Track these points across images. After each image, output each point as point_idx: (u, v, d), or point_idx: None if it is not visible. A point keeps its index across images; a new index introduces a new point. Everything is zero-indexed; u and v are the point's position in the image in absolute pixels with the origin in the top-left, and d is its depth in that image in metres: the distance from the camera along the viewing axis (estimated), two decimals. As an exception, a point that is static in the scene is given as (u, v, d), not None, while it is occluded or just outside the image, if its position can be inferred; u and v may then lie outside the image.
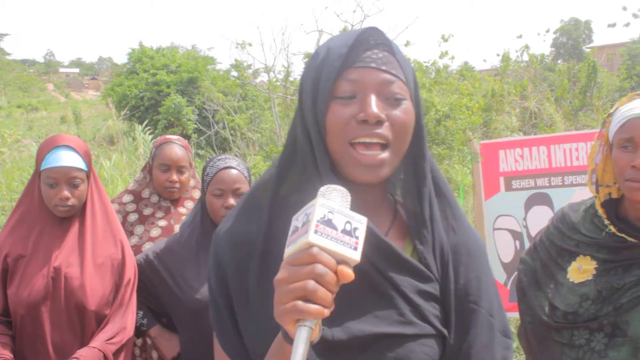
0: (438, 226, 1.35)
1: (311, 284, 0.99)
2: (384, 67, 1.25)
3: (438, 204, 1.37)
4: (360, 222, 1.06)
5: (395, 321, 1.27)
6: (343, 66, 1.26)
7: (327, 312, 1.01)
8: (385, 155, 1.24)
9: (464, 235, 1.39)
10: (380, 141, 1.23)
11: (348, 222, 1.05)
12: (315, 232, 1.01)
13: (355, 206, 1.20)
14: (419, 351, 1.27)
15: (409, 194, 1.34)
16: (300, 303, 0.99)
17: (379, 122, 1.23)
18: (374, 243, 1.24)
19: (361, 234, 1.05)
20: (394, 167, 1.29)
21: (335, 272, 1.02)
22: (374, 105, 1.22)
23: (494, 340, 1.35)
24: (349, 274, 1.02)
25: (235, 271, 1.35)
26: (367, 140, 1.23)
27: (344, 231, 1.04)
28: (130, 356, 2.71)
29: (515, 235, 5.03)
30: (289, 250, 1.05)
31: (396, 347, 1.26)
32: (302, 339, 0.99)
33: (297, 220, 1.07)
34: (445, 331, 1.31)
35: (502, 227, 5.10)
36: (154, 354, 3.02)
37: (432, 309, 1.31)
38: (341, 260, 1.03)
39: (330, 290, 1.01)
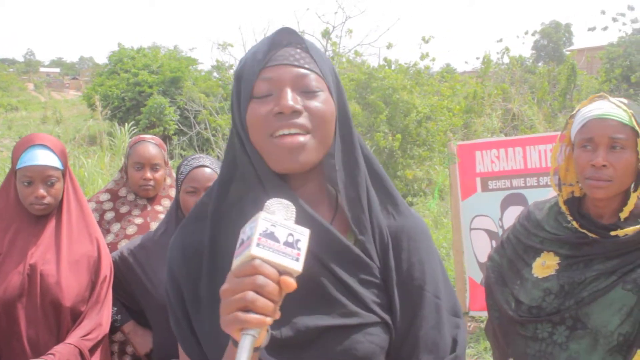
0: (377, 214, 1.38)
1: (250, 294, 1.04)
2: (296, 63, 1.30)
3: (375, 192, 1.40)
4: (302, 234, 1.11)
5: (339, 313, 1.30)
6: (259, 67, 1.31)
7: (269, 320, 1.06)
8: (305, 139, 1.28)
9: (405, 220, 1.41)
10: (299, 131, 1.27)
11: (290, 234, 1.10)
12: (258, 245, 1.06)
13: (295, 200, 1.27)
14: (365, 341, 1.30)
15: (345, 185, 1.36)
16: (240, 314, 1.04)
17: (296, 113, 1.27)
18: (316, 232, 1.27)
19: (303, 245, 1.10)
20: (319, 155, 1.31)
21: (278, 283, 1.06)
22: (288, 97, 1.27)
23: (441, 321, 1.39)
24: (290, 283, 1.07)
25: (187, 281, 1.39)
26: (286, 131, 1.27)
27: (286, 243, 1.09)
28: (106, 352, 2.74)
29: (492, 235, 5.09)
30: (235, 262, 1.10)
31: (342, 339, 1.29)
32: (245, 347, 1.04)
33: (243, 234, 1.12)
34: (388, 318, 1.34)
35: (478, 227, 5.16)
36: (129, 349, 3.05)
37: (374, 297, 1.34)
38: (284, 271, 1.07)
39: (272, 300, 1.06)
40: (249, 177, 1.34)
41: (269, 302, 1.05)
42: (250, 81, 1.31)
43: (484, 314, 5.57)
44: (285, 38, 1.33)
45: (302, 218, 1.28)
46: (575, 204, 2.07)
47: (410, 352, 1.37)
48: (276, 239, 1.08)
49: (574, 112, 2.06)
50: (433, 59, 14.73)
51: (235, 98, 1.37)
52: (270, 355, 1.28)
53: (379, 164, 1.46)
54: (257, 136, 1.30)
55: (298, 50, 1.32)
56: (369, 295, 1.33)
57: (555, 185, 2.12)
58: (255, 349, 1.10)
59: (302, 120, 1.27)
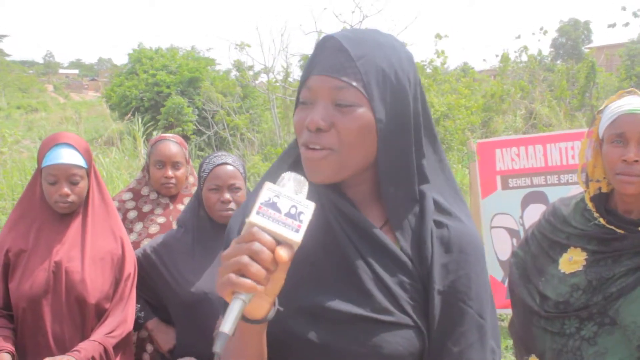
0: (427, 221, 1.36)
1: (244, 258, 1.07)
2: (335, 74, 1.28)
3: (434, 197, 1.39)
4: (307, 207, 1.13)
5: (372, 307, 1.30)
6: (307, 74, 1.32)
7: (260, 287, 1.08)
8: (324, 154, 1.27)
9: (458, 231, 1.37)
10: (322, 147, 1.27)
11: (294, 206, 1.12)
12: (257, 213, 1.09)
13: (342, 199, 1.33)
14: (393, 341, 1.28)
15: (389, 193, 1.36)
16: (232, 275, 1.07)
17: (320, 130, 1.27)
18: (358, 231, 1.32)
19: (306, 218, 1.12)
20: (347, 169, 1.30)
21: (273, 252, 1.09)
22: (315, 113, 1.27)
23: (483, 342, 1.35)
24: (281, 256, 1.09)
25: None
26: (311, 145, 1.28)
27: (288, 214, 1.11)
28: (130, 350, 2.76)
29: (512, 233, 5.06)
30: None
31: (371, 334, 1.29)
32: (234, 310, 1.06)
33: (248, 202, 1.16)
34: (422, 325, 1.32)
35: (499, 225, 5.13)
36: (149, 347, 3.06)
37: (411, 301, 1.32)
38: (283, 241, 1.09)
39: (266, 267, 1.09)
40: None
41: (262, 269, 1.08)
42: (300, 86, 1.35)
43: (504, 312, 5.59)
44: (331, 44, 1.31)
45: (347, 215, 1.33)
46: (602, 200, 2.05)
47: None
48: (278, 209, 1.11)
49: (602, 107, 2.05)
50: (445, 57, 14.62)
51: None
52: (300, 336, 1.30)
53: (446, 163, 1.45)
54: (298, 141, 1.34)
55: (342, 60, 1.29)
56: (405, 298, 1.32)
57: (582, 182, 2.10)
58: (257, 321, 1.16)
59: (327, 137, 1.27)
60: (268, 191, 1.11)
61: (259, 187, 1.33)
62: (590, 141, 2.09)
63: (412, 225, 1.36)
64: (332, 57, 1.29)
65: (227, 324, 1.05)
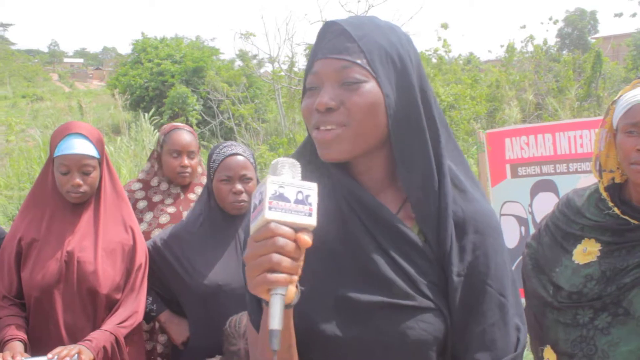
0: (446, 200, 1.36)
1: (275, 257, 1.09)
2: (337, 55, 1.31)
3: (450, 180, 1.38)
4: (311, 189, 1.14)
5: (392, 293, 1.31)
6: (312, 60, 1.36)
7: (295, 278, 1.11)
8: (339, 131, 1.30)
9: (473, 210, 1.38)
10: (333, 126, 1.30)
11: (299, 191, 1.13)
12: (270, 208, 1.10)
13: (365, 188, 1.35)
14: (417, 327, 1.29)
15: (405, 171, 1.37)
16: (269, 275, 1.09)
17: (330, 110, 1.30)
18: (374, 217, 1.34)
19: (313, 199, 1.13)
20: (360, 145, 1.32)
21: (295, 240, 1.11)
22: (323, 94, 1.30)
23: (506, 320, 1.35)
24: (306, 240, 1.11)
25: None
26: (322, 127, 1.31)
27: (297, 201, 1.12)
28: (141, 339, 2.77)
29: (521, 221, 5.06)
30: (252, 228, 1.14)
31: (394, 321, 1.29)
32: (276, 306, 1.09)
33: (255, 198, 1.16)
34: (444, 306, 1.33)
35: (508, 213, 5.14)
36: (161, 338, 3.07)
37: (431, 285, 1.33)
38: (299, 228, 1.11)
39: (294, 258, 1.11)
40: (319, 160, 1.39)
41: (292, 261, 1.10)
42: (306, 74, 1.38)
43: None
44: (332, 29, 1.35)
45: (363, 203, 1.34)
46: (616, 191, 2.04)
47: (466, 347, 1.34)
48: (286, 199, 1.12)
49: (617, 97, 2.03)
50: (448, 46, 14.57)
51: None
52: (325, 330, 1.32)
53: (456, 145, 1.46)
54: (307, 127, 1.38)
55: (343, 41, 1.32)
56: (425, 282, 1.32)
57: (595, 172, 2.09)
58: (287, 306, 1.16)
59: (337, 116, 1.30)
60: (272, 184, 1.12)
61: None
62: (604, 131, 2.08)
63: (430, 206, 1.36)
64: (335, 40, 1.33)
65: (276, 321, 1.08)
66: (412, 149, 1.36)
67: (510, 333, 1.35)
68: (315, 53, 1.36)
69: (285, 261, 1.09)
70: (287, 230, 1.10)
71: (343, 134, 1.30)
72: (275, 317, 1.08)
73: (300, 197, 1.13)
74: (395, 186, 1.41)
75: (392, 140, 1.35)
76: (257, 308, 1.37)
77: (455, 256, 1.34)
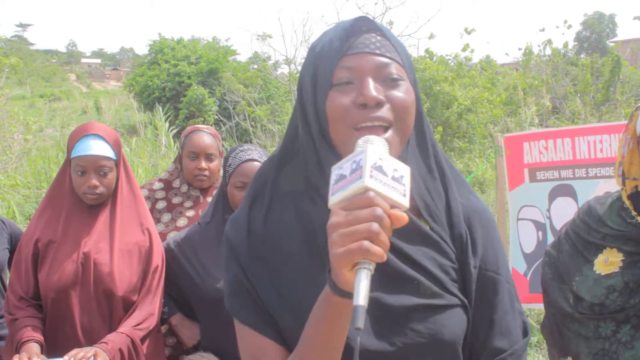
0: (454, 199, 1.39)
1: (375, 225, 0.99)
2: (378, 51, 1.27)
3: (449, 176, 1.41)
4: (405, 170, 1.08)
5: (423, 294, 1.30)
6: (339, 55, 1.28)
7: (386, 256, 1.01)
8: (388, 135, 1.24)
9: (474, 206, 1.43)
10: (382, 124, 1.24)
11: (395, 169, 1.06)
12: (371, 176, 1.02)
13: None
14: (450, 324, 1.31)
15: (415, 174, 1.33)
16: (367, 243, 0.99)
17: (379, 105, 1.24)
18: None
19: (407, 182, 1.07)
20: (399, 149, 1.28)
21: (389, 217, 1.02)
22: (371, 88, 1.23)
23: (514, 307, 1.42)
24: (402, 217, 1.03)
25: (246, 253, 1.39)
26: (369, 124, 1.23)
27: (393, 178, 1.05)
28: (160, 342, 2.76)
29: (539, 226, 5.02)
30: (338, 196, 1.05)
31: (428, 321, 1.29)
32: (363, 281, 0.99)
33: (341, 169, 1.08)
34: (466, 301, 1.35)
35: (525, 217, 5.10)
36: (170, 341, 3.06)
37: (452, 282, 1.35)
38: (393, 206, 1.03)
39: (388, 234, 1.02)
40: (311, 165, 1.33)
41: (386, 236, 1.02)
42: (329, 69, 1.28)
43: (527, 307, 5.54)
44: (364, 25, 1.31)
45: None
46: (639, 199, 2.00)
47: (485, 336, 1.38)
48: (385, 172, 1.04)
49: (640, 104, 2.00)
50: (472, 50, 14.55)
51: (309, 83, 1.33)
52: (364, 344, 1.26)
53: (445, 154, 1.46)
54: (338, 126, 1.26)
55: (378, 38, 1.29)
56: (447, 279, 1.34)
57: (618, 179, 2.05)
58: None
59: (384, 112, 1.24)
60: (374, 154, 1.05)
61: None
62: (627, 137, 2.04)
63: (438, 203, 1.37)
64: (369, 36, 1.29)
65: (362, 296, 0.98)
66: (418, 150, 1.38)
67: (517, 318, 1.42)
68: (342, 47, 1.28)
69: (382, 234, 1.00)
70: (384, 203, 1.02)
71: (392, 138, 1.24)
72: (362, 293, 0.97)
73: (396, 175, 1.06)
74: None
75: (410, 143, 1.34)
76: (250, 304, 1.35)
77: (470, 249, 1.37)
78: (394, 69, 1.27)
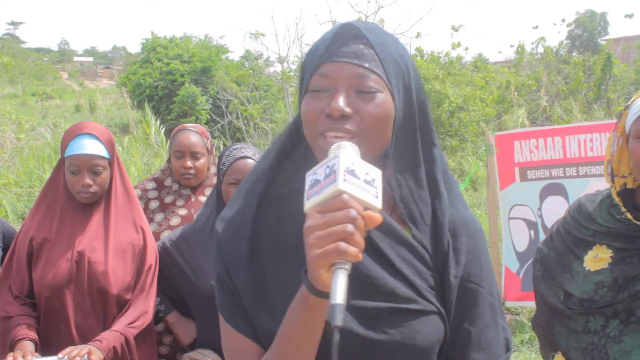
0: (443, 207, 1.37)
1: (350, 226, 1.03)
2: (357, 61, 1.26)
3: (441, 186, 1.40)
4: (377, 173, 1.12)
5: (397, 298, 1.29)
6: (320, 61, 1.29)
7: (360, 257, 1.05)
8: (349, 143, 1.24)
9: (462, 215, 1.41)
10: (345, 135, 1.24)
11: (367, 172, 1.11)
12: (344, 180, 1.06)
13: None
14: (424, 331, 1.30)
15: (398, 182, 1.35)
16: (343, 244, 1.03)
17: (344, 117, 1.24)
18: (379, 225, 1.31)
19: (379, 184, 1.11)
20: (370, 158, 1.24)
21: (363, 218, 1.06)
22: (339, 100, 1.23)
23: (496, 320, 1.40)
24: (376, 217, 1.07)
25: (232, 255, 1.40)
26: (332, 133, 1.24)
27: (366, 181, 1.09)
28: (152, 340, 2.77)
29: (530, 224, 5.06)
30: (314, 200, 1.09)
31: (402, 326, 1.28)
32: (341, 280, 1.03)
33: (315, 175, 1.12)
34: (442, 310, 1.34)
35: (517, 216, 5.14)
36: (166, 339, 3.07)
37: (429, 289, 1.34)
38: (367, 208, 1.07)
39: (362, 234, 1.06)
40: (308, 163, 1.32)
41: (361, 237, 1.06)
42: (308, 74, 1.31)
43: (519, 305, 5.58)
44: (350, 32, 1.29)
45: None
46: (629, 196, 2.02)
47: (463, 348, 1.36)
48: (357, 176, 1.09)
49: (629, 102, 2.02)
50: (466, 48, 14.59)
51: (299, 86, 1.37)
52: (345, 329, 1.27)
53: (442, 161, 1.45)
54: (308, 131, 1.31)
55: (361, 47, 1.27)
56: (424, 286, 1.33)
57: (608, 176, 2.08)
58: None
59: (350, 124, 1.24)
60: (346, 159, 1.09)
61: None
62: (616, 135, 2.07)
63: (422, 212, 1.37)
64: (351, 43, 1.28)
65: (340, 295, 1.01)
66: (406, 160, 1.36)
67: (499, 333, 1.40)
68: (325, 54, 1.28)
69: (357, 235, 1.04)
70: (358, 205, 1.06)
71: (357, 144, 1.24)
72: (340, 291, 1.01)
73: (368, 178, 1.10)
74: (387, 193, 1.38)
75: (392, 152, 1.33)
76: (231, 302, 1.37)
77: (451, 258, 1.36)
78: (371, 81, 1.26)
